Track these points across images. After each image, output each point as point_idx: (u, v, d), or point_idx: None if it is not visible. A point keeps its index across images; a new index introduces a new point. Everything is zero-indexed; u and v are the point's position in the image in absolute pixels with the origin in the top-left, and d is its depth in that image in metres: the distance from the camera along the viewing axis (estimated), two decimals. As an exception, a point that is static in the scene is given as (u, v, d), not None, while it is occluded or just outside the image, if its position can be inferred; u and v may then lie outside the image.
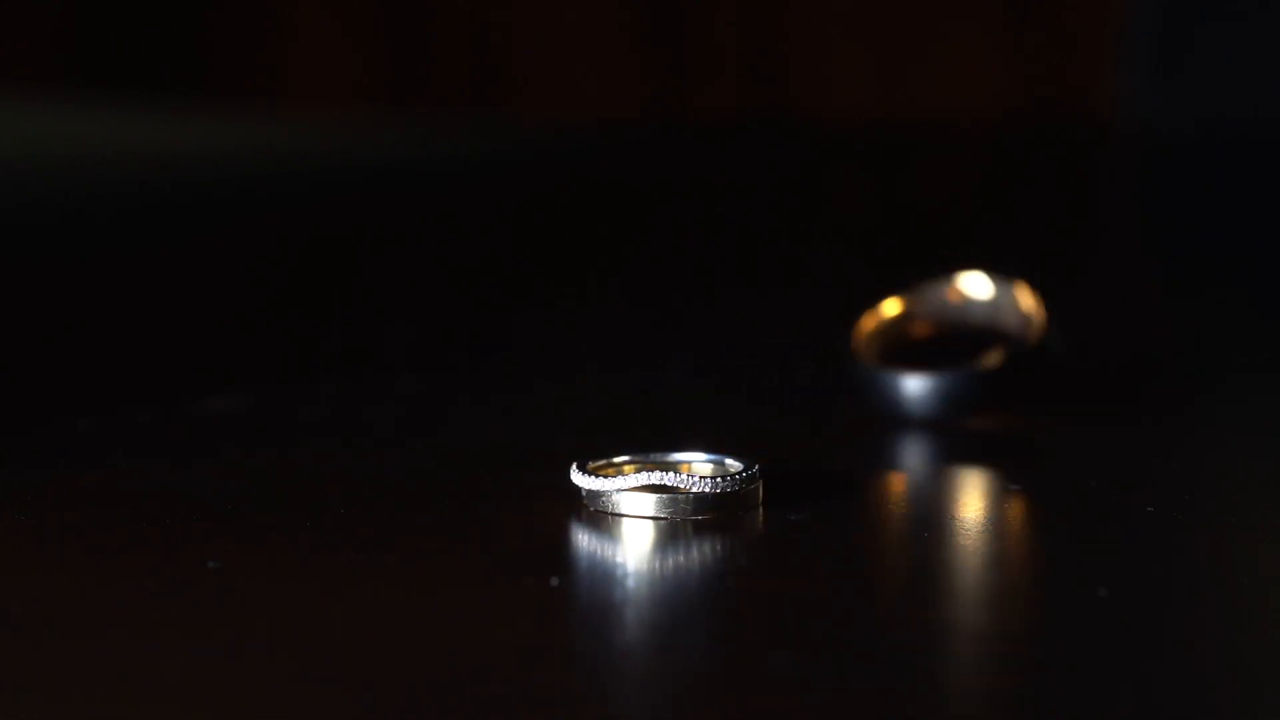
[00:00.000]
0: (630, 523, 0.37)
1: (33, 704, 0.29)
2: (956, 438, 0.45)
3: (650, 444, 0.40)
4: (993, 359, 0.45)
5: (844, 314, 0.48)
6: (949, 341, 0.48)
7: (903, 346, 0.48)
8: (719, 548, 0.36)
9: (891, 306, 0.48)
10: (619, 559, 0.36)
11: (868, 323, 0.47)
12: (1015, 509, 0.38)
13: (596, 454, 0.39)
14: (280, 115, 1.42)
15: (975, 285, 0.48)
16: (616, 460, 0.39)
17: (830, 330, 0.49)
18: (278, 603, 0.33)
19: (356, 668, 0.30)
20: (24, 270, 0.75)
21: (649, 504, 0.37)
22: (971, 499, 0.39)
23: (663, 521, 0.37)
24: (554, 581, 0.34)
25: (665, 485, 0.37)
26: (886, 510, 0.40)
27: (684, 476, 0.37)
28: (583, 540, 0.37)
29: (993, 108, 1.42)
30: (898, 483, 0.42)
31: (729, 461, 0.39)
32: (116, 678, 0.30)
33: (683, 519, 0.37)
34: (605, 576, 0.35)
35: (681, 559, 0.36)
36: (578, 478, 0.38)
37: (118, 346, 0.58)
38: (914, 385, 0.45)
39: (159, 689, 0.29)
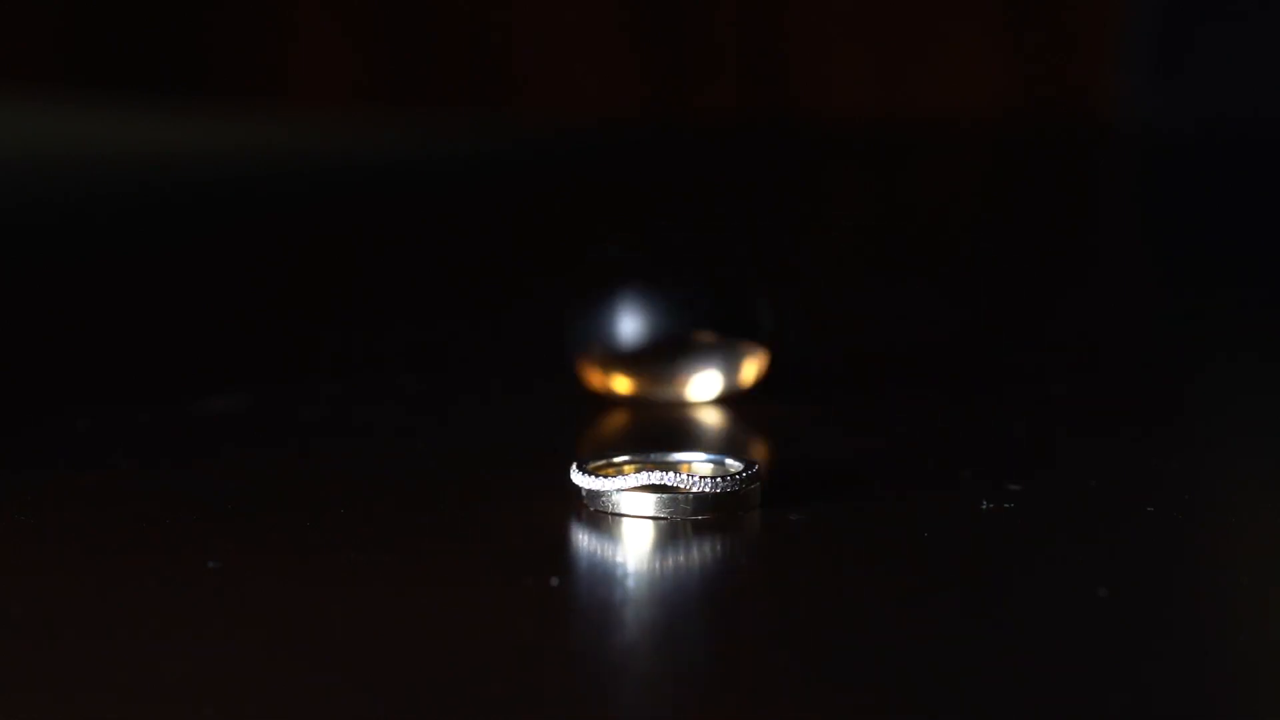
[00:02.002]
0: (630, 523, 0.37)
1: (33, 704, 0.29)
2: (954, 437, 0.45)
3: (650, 444, 0.40)
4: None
5: (841, 314, 0.48)
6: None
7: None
8: (719, 548, 0.36)
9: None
10: (619, 559, 0.36)
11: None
12: (1015, 509, 0.38)
13: (596, 454, 0.39)
14: (280, 115, 1.42)
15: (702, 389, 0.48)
16: (616, 460, 0.39)
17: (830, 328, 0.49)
18: (278, 603, 0.33)
19: (356, 668, 0.30)
20: (24, 270, 0.75)
21: (649, 504, 0.37)
22: (971, 498, 0.39)
23: (663, 521, 0.37)
24: (554, 581, 0.34)
25: (665, 485, 0.37)
26: (886, 510, 0.40)
27: (684, 476, 0.37)
28: (583, 540, 0.37)
29: (993, 108, 1.42)
30: (896, 482, 0.42)
31: (729, 461, 0.39)
32: (116, 678, 0.30)
33: (683, 519, 0.37)
34: (605, 576, 0.35)
35: (681, 559, 0.36)
36: (578, 478, 0.38)
37: (118, 346, 0.58)
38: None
39: (159, 689, 0.29)
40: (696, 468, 0.39)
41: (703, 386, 0.47)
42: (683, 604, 0.34)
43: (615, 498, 0.37)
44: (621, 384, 0.47)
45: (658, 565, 0.35)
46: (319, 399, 0.50)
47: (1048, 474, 0.42)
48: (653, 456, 0.39)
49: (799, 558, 0.36)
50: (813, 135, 1.37)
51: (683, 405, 0.47)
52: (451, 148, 1.26)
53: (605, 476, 0.37)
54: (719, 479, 0.37)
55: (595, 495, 0.37)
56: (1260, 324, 0.62)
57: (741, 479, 0.37)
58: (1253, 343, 0.59)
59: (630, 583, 0.34)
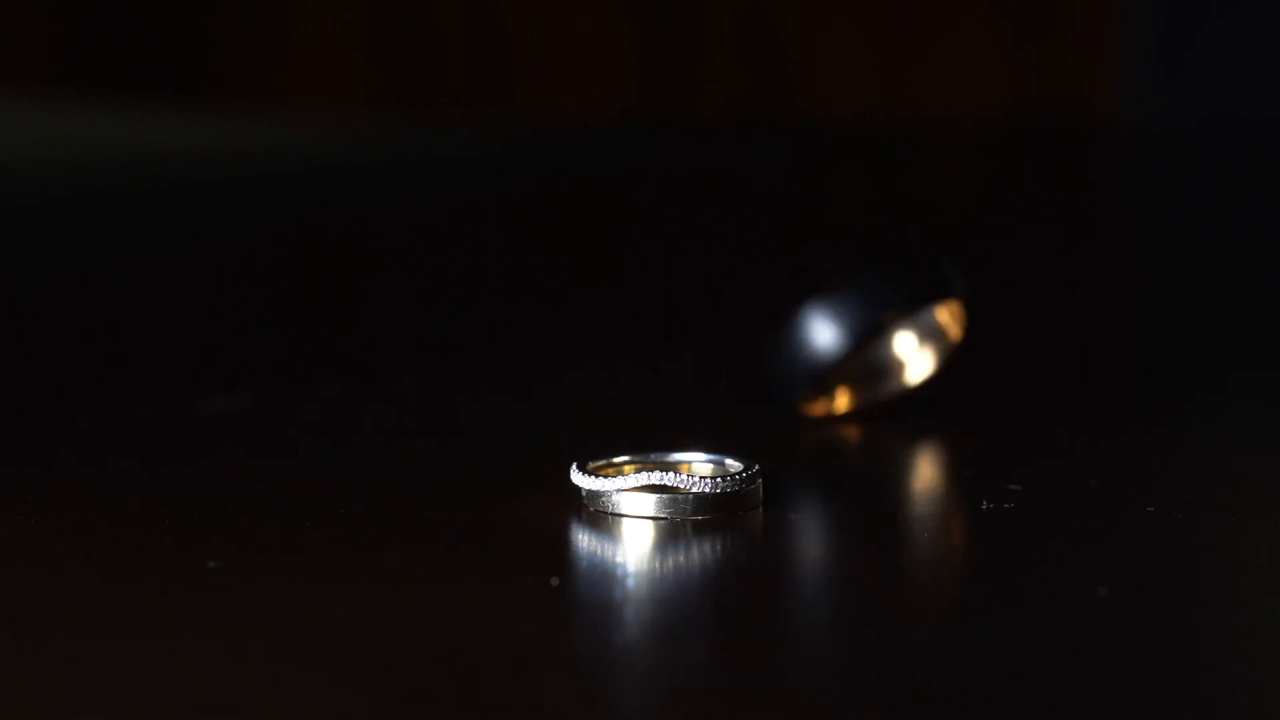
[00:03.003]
0: (630, 523, 0.37)
1: (33, 704, 0.29)
2: (955, 437, 0.45)
3: (650, 444, 0.40)
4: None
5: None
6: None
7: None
8: (719, 548, 0.36)
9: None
10: (619, 559, 0.36)
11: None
12: (1014, 509, 0.38)
13: (596, 454, 0.39)
14: (280, 115, 1.42)
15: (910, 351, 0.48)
16: (616, 460, 0.39)
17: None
18: (278, 603, 0.33)
19: (357, 667, 0.30)
20: (24, 270, 0.75)
21: (649, 504, 0.37)
22: (972, 498, 0.39)
23: (663, 521, 0.37)
24: (554, 581, 0.34)
25: (665, 485, 0.37)
26: (886, 510, 0.40)
27: (684, 476, 0.37)
28: (583, 540, 0.37)
29: (993, 107, 1.42)
30: (896, 482, 0.42)
31: (729, 461, 0.39)
32: (117, 678, 0.30)
33: (683, 519, 0.37)
34: (605, 576, 0.35)
35: (681, 559, 0.36)
36: (578, 478, 0.38)
37: (118, 346, 0.58)
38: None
39: (159, 689, 0.29)
40: (696, 468, 0.39)
41: (916, 365, 0.47)
42: (683, 604, 0.34)
43: (615, 498, 0.37)
44: (843, 400, 0.47)
45: (658, 565, 0.35)
46: (319, 399, 0.50)
47: (1048, 474, 0.42)
48: (653, 457, 0.39)
49: (799, 558, 0.36)
50: (813, 135, 1.37)
51: (906, 395, 0.47)
52: (451, 148, 1.26)
53: (605, 476, 0.37)
54: (719, 479, 0.37)
55: (595, 495, 0.37)
56: (1260, 324, 0.62)
57: (741, 479, 0.37)
58: (1253, 343, 0.59)
59: (630, 583, 0.34)
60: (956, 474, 0.42)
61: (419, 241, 0.85)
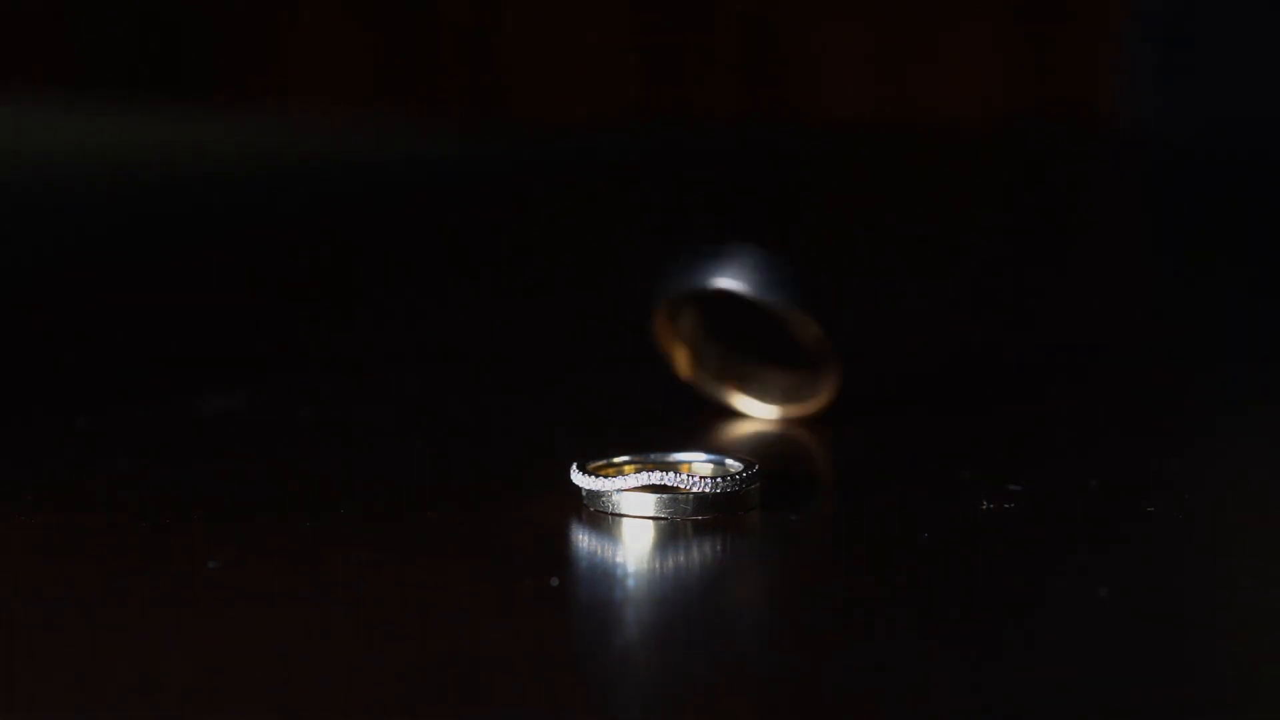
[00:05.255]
0: (630, 523, 0.37)
1: (33, 704, 0.29)
2: (954, 437, 0.45)
3: (650, 444, 0.40)
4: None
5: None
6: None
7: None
8: (719, 548, 0.36)
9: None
10: (619, 559, 0.36)
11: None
12: (1015, 509, 0.38)
13: (596, 454, 0.39)
14: (280, 115, 1.42)
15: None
16: (616, 460, 0.39)
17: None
18: (278, 603, 0.33)
19: (356, 668, 0.30)
20: (23, 270, 0.75)
21: (649, 504, 0.37)
22: (971, 498, 0.39)
23: (663, 521, 0.37)
24: (554, 581, 0.34)
25: (665, 485, 0.37)
26: (886, 510, 0.40)
27: (684, 477, 0.37)
28: (583, 540, 0.37)
29: (993, 107, 1.42)
30: (896, 482, 0.42)
31: (729, 461, 0.39)
32: (116, 678, 0.30)
33: (683, 519, 0.37)
34: (605, 576, 0.35)
35: (681, 559, 0.36)
36: (578, 478, 0.38)
37: (117, 346, 0.58)
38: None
39: (159, 689, 0.29)
40: (696, 468, 0.39)
41: (757, 405, 0.46)
42: (683, 604, 0.34)
43: (615, 498, 0.37)
44: (682, 359, 0.46)
45: (658, 565, 0.35)
46: (319, 399, 0.50)
47: (1048, 474, 0.42)
48: (653, 456, 0.39)
49: (799, 558, 0.36)
50: (812, 135, 1.37)
51: (731, 413, 0.46)
52: (451, 147, 1.26)
53: (605, 476, 0.37)
54: (719, 479, 0.37)
55: (595, 495, 0.37)
56: (1261, 325, 0.62)
57: (741, 479, 0.37)
58: (1253, 343, 0.59)
59: (630, 583, 0.34)
60: (956, 474, 0.42)
61: (419, 241, 0.85)
